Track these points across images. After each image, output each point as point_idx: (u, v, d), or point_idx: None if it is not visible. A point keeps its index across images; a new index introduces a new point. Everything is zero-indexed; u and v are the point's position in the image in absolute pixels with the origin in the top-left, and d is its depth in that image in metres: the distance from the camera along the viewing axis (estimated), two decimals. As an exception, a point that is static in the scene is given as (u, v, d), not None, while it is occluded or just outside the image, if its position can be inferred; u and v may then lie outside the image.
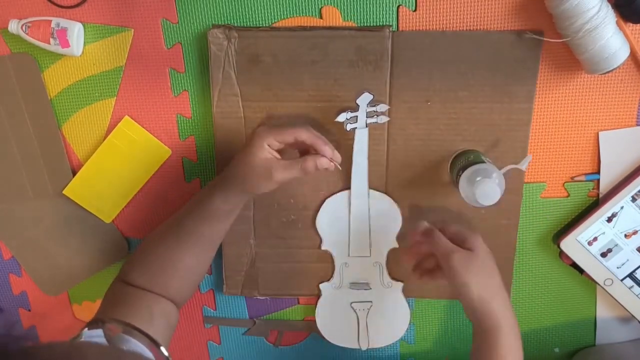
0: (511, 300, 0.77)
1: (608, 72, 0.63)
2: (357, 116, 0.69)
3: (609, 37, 0.60)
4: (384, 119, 0.69)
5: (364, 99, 0.68)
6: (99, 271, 0.83)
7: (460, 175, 0.64)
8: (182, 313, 0.85)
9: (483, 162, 0.64)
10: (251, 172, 0.61)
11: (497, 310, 0.61)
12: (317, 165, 0.61)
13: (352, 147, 0.71)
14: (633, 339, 0.80)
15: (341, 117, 0.68)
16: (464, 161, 0.67)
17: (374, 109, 0.68)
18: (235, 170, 0.63)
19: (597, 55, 0.61)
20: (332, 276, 0.79)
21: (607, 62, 0.62)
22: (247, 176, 0.62)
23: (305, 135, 0.61)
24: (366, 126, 0.69)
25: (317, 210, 0.75)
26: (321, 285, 0.79)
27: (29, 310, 0.88)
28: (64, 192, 0.78)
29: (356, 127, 0.69)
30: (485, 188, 0.61)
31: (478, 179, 0.62)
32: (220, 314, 0.85)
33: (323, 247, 0.77)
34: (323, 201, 0.75)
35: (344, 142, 0.71)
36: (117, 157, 0.76)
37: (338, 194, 0.74)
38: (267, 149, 0.61)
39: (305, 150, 0.64)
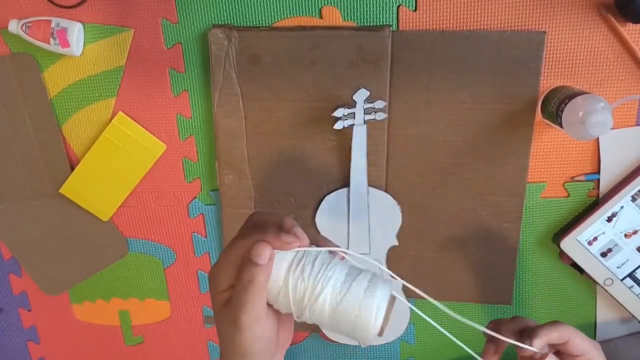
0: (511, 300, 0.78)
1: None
2: (354, 113, 0.68)
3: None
4: (382, 116, 0.68)
5: (361, 94, 0.67)
6: (99, 271, 0.83)
7: (565, 105, 0.60)
8: (182, 313, 0.86)
9: (585, 93, 0.60)
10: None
11: None
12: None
13: (351, 145, 0.70)
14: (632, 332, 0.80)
15: (338, 112, 0.67)
16: (564, 94, 0.62)
17: (371, 105, 0.68)
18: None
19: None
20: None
21: None
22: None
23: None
24: (364, 123, 0.68)
25: (317, 209, 0.75)
26: (321, 282, 0.79)
27: (29, 310, 0.88)
28: (60, 190, 0.78)
29: (354, 124, 0.69)
30: (599, 117, 0.57)
31: (589, 107, 0.58)
32: (220, 314, 0.85)
33: None
34: (322, 198, 0.75)
35: (343, 141, 0.71)
36: (112, 153, 0.76)
37: (337, 191, 0.74)
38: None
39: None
